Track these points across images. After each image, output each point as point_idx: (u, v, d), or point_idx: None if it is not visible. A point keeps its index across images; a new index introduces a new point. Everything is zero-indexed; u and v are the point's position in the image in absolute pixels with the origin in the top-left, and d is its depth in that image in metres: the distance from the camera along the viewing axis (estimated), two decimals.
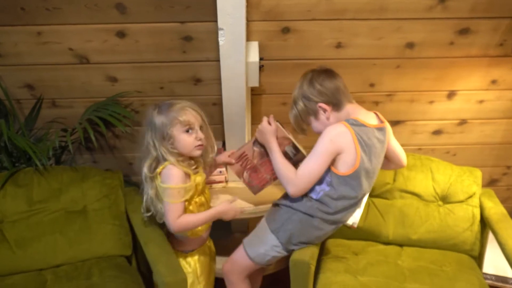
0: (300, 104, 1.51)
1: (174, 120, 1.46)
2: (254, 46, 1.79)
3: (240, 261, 1.60)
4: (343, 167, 1.44)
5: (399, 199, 1.84)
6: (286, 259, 1.83)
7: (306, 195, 1.51)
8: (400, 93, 2.00)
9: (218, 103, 1.96)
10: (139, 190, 1.60)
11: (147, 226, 1.65)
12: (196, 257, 1.63)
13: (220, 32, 1.62)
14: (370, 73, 1.94)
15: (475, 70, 1.95)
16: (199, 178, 1.55)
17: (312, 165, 1.45)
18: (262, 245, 1.56)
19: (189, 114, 1.48)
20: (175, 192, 1.46)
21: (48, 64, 1.85)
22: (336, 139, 1.42)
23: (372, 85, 1.97)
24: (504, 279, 2.08)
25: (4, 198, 1.66)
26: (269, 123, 1.57)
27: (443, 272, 1.65)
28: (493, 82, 1.98)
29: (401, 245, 1.83)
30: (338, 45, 1.86)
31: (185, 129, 1.47)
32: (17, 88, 1.90)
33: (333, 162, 1.45)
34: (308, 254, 1.51)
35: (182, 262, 1.59)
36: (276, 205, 1.61)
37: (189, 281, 1.56)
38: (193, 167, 1.54)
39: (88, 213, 1.74)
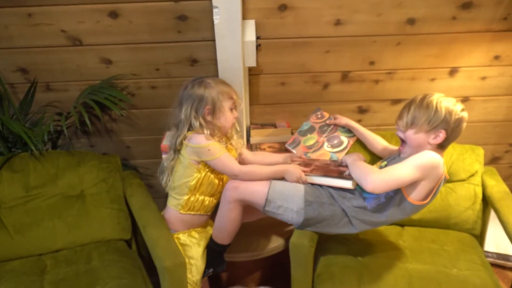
0: (440, 114, 1.43)
1: (226, 95, 1.56)
2: (251, 24, 1.75)
3: (254, 191, 1.52)
4: (414, 194, 1.42)
5: None
6: (286, 241, 1.83)
7: (360, 198, 1.48)
8: (401, 70, 1.96)
9: None
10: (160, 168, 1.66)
11: (145, 210, 1.65)
12: (176, 237, 1.60)
13: (214, 10, 1.57)
14: (370, 50, 1.90)
15: (478, 45, 1.90)
16: (233, 153, 1.63)
17: (404, 171, 1.38)
18: (285, 200, 1.50)
19: (235, 93, 1.60)
20: (213, 148, 1.50)
21: (41, 47, 1.82)
22: (435, 167, 1.38)
23: (372, 63, 1.93)
24: (505, 257, 2.09)
25: (0, 184, 1.65)
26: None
27: (444, 251, 1.64)
28: (496, 57, 1.94)
29: (402, 225, 1.81)
30: (337, 22, 1.82)
31: (232, 106, 1.58)
32: (10, 72, 1.87)
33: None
34: (308, 236, 1.49)
35: None
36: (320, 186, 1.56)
37: None
38: (223, 143, 1.60)
39: (86, 198, 1.73)
